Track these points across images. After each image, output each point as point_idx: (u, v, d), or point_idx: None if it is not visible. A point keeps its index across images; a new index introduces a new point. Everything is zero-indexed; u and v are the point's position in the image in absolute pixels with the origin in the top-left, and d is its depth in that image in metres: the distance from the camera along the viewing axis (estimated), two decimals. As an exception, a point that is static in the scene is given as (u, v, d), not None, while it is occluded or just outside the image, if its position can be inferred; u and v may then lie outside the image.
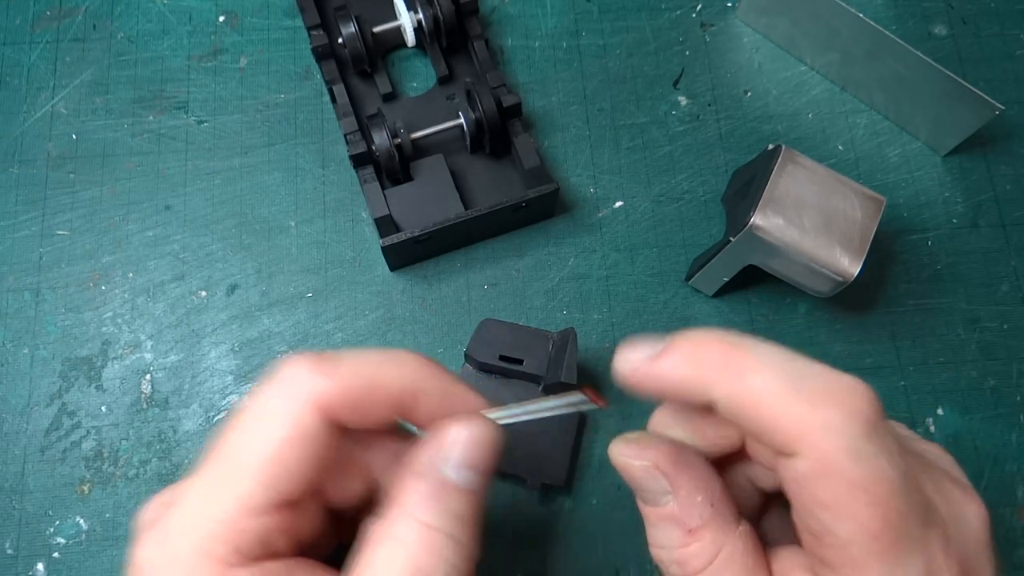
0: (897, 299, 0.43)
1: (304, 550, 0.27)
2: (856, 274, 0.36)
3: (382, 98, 0.46)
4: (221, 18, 0.47)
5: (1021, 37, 0.48)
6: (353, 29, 0.43)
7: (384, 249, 0.40)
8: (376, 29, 0.45)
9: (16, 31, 0.47)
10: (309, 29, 0.44)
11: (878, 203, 0.38)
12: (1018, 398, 0.42)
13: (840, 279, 0.37)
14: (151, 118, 0.45)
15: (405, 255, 0.42)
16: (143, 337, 0.42)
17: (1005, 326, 0.43)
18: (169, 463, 0.40)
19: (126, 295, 0.43)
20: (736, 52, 0.48)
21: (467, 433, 0.26)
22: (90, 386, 0.41)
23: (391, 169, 0.42)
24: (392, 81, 0.46)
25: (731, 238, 0.38)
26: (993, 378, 0.42)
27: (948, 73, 0.41)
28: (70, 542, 0.39)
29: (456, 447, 0.26)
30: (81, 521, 0.39)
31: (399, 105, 0.46)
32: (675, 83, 0.47)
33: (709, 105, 0.47)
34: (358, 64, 0.45)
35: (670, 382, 0.24)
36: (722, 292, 0.43)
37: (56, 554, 0.39)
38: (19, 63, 0.46)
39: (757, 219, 0.37)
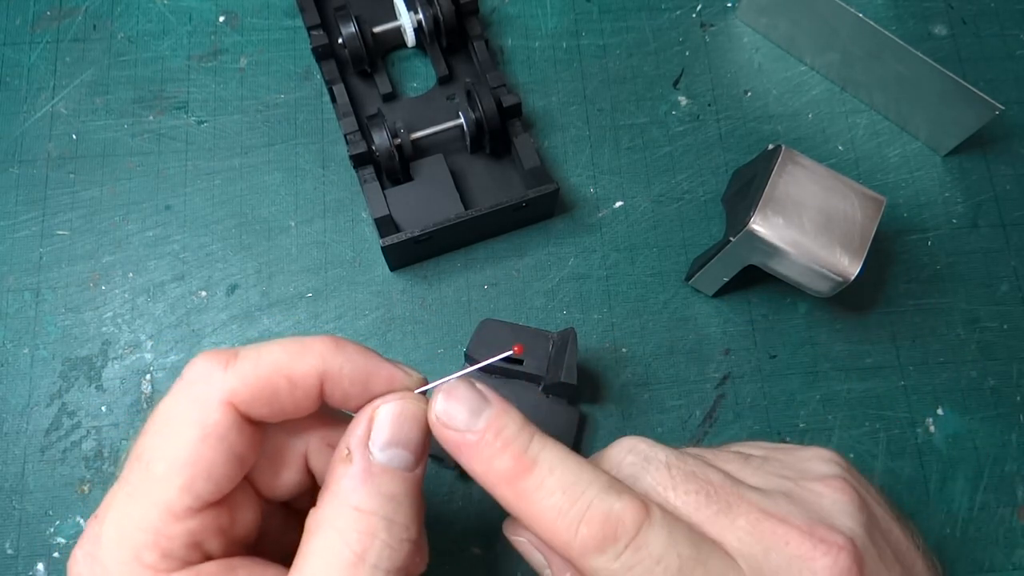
0: (897, 299, 0.43)
1: (258, 549, 0.27)
2: (856, 274, 0.36)
3: (382, 98, 0.46)
4: (221, 18, 0.47)
5: (1021, 37, 0.48)
6: (353, 29, 0.43)
7: (384, 249, 0.40)
8: (376, 29, 0.45)
9: (16, 31, 0.47)
10: (309, 29, 0.44)
11: (878, 203, 0.38)
12: (1018, 398, 0.42)
13: (840, 279, 0.37)
14: (151, 118, 0.45)
15: (405, 255, 0.42)
16: (143, 337, 0.42)
17: (1005, 326, 0.43)
18: (169, 463, 0.40)
19: (126, 295, 0.43)
20: (736, 52, 0.48)
21: (390, 412, 0.25)
22: (90, 386, 0.41)
23: (391, 169, 0.42)
24: (392, 81, 0.46)
25: (731, 238, 0.38)
26: (993, 378, 0.42)
27: (948, 73, 0.41)
28: (70, 542, 0.39)
29: (381, 427, 0.25)
30: (81, 521, 0.39)
31: (399, 105, 0.46)
32: (675, 83, 0.47)
33: (709, 105, 0.47)
34: (358, 64, 0.45)
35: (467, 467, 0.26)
36: (722, 292, 0.43)
37: (56, 554, 0.39)
38: (19, 63, 0.46)
39: (757, 219, 0.37)
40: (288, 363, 0.25)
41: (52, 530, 0.39)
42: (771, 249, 0.37)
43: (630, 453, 0.27)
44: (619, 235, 0.44)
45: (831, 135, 0.46)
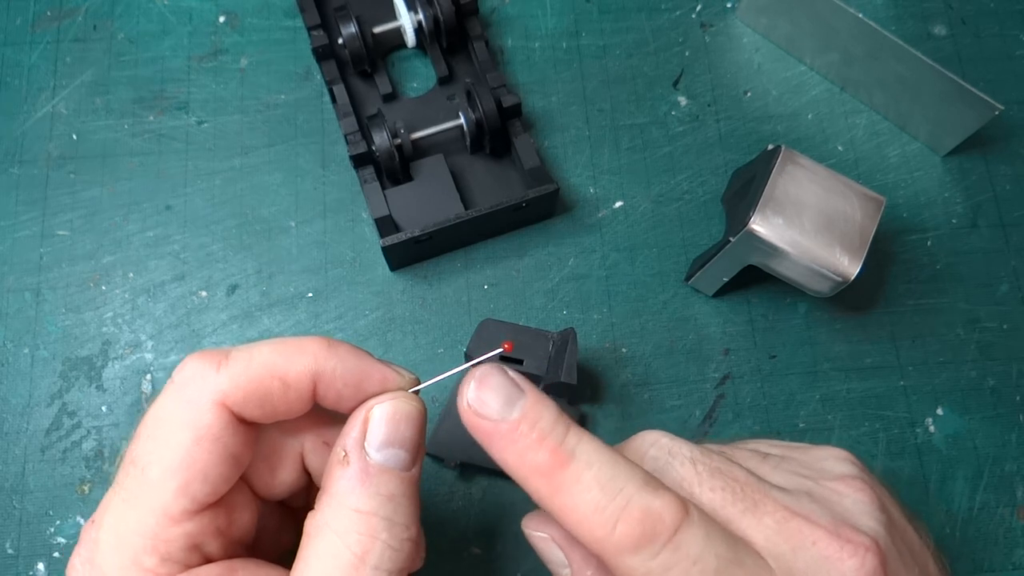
0: (897, 299, 0.43)
1: (256, 548, 0.27)
2: (856, 274, 0.36)
3: (382, 98, 0.46)
4: (221, 18, 0.48)
5: (1021, 37, 0.48)
6: (353, 29, 0.43)
7: (384, 249, 0.40)
8: (376, 29, 0.45)
9: (16, 31, 0.47)
10: (309, 29, 0.44)
11: (878, 203, 0.38)
12: (1018, 398, 0.42)
13: (840, 279, 0.37)
14: (151, 118, 0.45)
15: (405, 255, 0.42)
16: (143, 337, 0.42)
17: (1005, 326, 0.43)
18: (169, 463, 0.40)
19: (126, 295, 0.43)
20: (736, 52, 0.48)
21: (384, 411, 0.25)
22: (90, 386, 0.41)
23: (391, 169, 0.42)
24: (392, 81, 0.46)
25: (731, 238, 0.38)
26: (993, 378, 0.42)
27: (948, 73, 0.41)
28: (71, 542, 0.39)
29: (376, 427, 0.25)
30: (82, 521, 0.39)
31: (399, 105, 0.46)
32: (675, 83, 0.47)
33: (709, 105, 0.47)
34: (358, 64, 0.45)
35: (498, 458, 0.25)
36: (722, 292, 0.43)
37: (56, 554, 0.39)
38: (20, 63, 0.46)
39: (757, 219, 0.37)
40: (281, 364, 0.25)
41: (52, 530, 0.39)
42: (771, 249, 0.37)
43: (653, 447, 0.27)
44: (619, 235, 0.44)
45: (831, 135, 0.46)
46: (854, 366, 0.42)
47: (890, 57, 0.43)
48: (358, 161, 0.42)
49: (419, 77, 0.47)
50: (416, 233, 0.40)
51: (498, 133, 0.43)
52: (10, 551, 0.39)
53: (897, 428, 0.41)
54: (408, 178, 0.43)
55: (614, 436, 0.37)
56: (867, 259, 0.37)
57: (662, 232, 0.44)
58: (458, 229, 0.41)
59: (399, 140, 0.42)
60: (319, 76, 0.46)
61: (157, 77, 0.46)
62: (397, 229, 0.41)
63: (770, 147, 0.40)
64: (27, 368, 0.41)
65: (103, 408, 0.41)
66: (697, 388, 0.42)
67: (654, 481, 0.24)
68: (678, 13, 0.48)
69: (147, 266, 0.43)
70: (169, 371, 0.41)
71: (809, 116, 0.47)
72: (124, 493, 0.24)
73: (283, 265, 0.43)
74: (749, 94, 0.47)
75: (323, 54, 0.44)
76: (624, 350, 0.42)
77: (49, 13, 0.47)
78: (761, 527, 0.24)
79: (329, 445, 0.27)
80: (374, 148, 0.42)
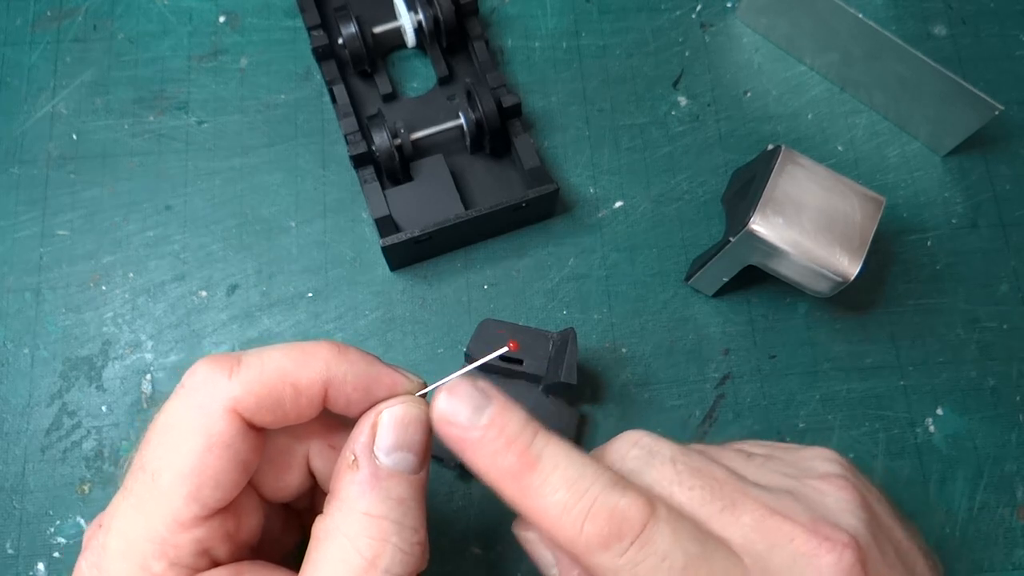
0: (897, 299, 0.43)
1: (259, 550, 0.27)
2: (856, 274, 0.36)
3: (382, 98, 0.46)
4: (221, 18, 0.48)
5: (1021, 37, 0.48)
6: (353, 29, 0.43)
7: (384, 249, 0.40)
8: (376, 29, 0.45)
9: (17, 31, 0.47)
10: (309, 29, 0.44)
11: (878, 203, 0.38)
12: (1018, 398, 0.42)
13: (839, 279, 0.37)
14: (151, 118, 0.45)
15: (405, 255, 0.42)
16: (143, 337, 0.42)
17: (1005, 326, 0.43)
18: (169, 463, 0.40)
19: (126, 295, 0.43)
20: (736, 52, 0.48)
21: (393, 416, 0.26)
22: (90, 386, 0.41)
23: (391, 169, 0.42)
24: (392, 81, 0.46)
25: (731, 238, 0.38)
26: (993, 378, 0.42)
27: (948, 73, 0.41)
28: (71, 542, 0.39)
29: (385, 432, 0.25)
30: (82, 521, 0.39)
31: (399, 105, 0.46)
32: (675, 83, 0.47)
33: (709, 105, 0.47)
34: (358, 64, 0.45)
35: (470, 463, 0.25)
36: (722, 292, 0.43)
37: (57, 554, 0.39)
38: (20, 63, 0.46)
39: (757, 219, 0.37)
40: (293, 370, 0.25)
41: (52, 530, 0.39)
42: (771, 249, 0.37)
43: (634, 447, 0.27)
44: (619, 235, 0.44)
45: (831, 135, 0.46)
46: (854, 366, 0.42)
47: (890, 57, 0.43)
48: (358, 161, 0.42)
49: (419, 77, 0.47)
50: (416, 233, 0.40)
51: (498, 133, 0.43)
52: (10, 551, 0.39)
53: (897, 428, 0.41)
54: (408, 178, 0.43)
55: (614, 436, 0.37)
56: (867, 259, 0.37)
57: (662, 232, 0.44)
58: (458, 229, 0.41)
59: (399, 140, 0.42)
60: (319, 76, 0.46)
61: (157, 77, 0.46)
62: (397, 229, 0.41)
63: (770, 147, 0.40)
64: (27, 368, 0.41)
65: (103, 408, 0.41)
66: (697, 388, 0.42)
67: (622, 481, 0.24)
68: (678, 13, 0.48)
69: (147, 266, 0.43)
70: (169, 371, 0.41)
71: (809, 116, 0.47)
72: (133, 498, 0.24)
73: (283, 265, 0.43)
74: (749, 94, 0.47)
75: (323, 54, 0.44)
76: (624, 350, 0.42)
77: (49, 13, 0.47)
78: (738, 525, 0.25)
79: (334, 448, 0.27)
80: (374, 148, 0.42)
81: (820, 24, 0.44)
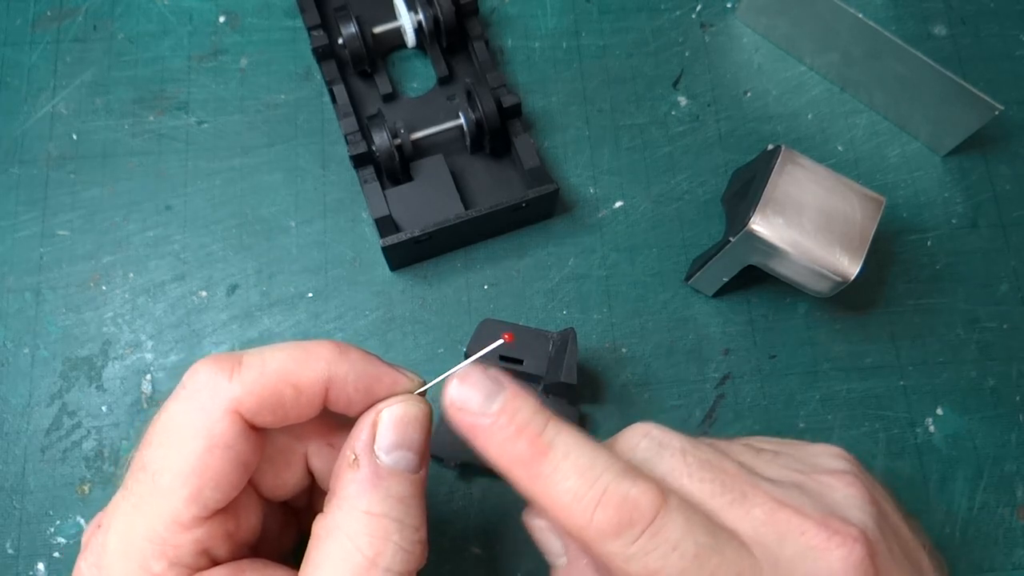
0: (897, 299, 0.43)
1: (259, 548, 0.27)
2: (856, 274, 0.36)
3: (382, 98, 0.46)
4: (221, 18, 0.48)
5: (1021, 37, 0.48)
6: (353, 29, 0.43)
7: (384, 249, 0.40)
8: (376, 29, 0.45)
9: (16, 31, 0.47)
10: (309, 29, 0.44)
11: (878, 203, 0.38)
12: (1018, 398, 0.42)
13: (839, 279, 0.37)
14: (151, 118, 0.45)
15: (405, 255, 0.42)
16: (144, 337, 0.42)
17: (1005, 326, 0.43)
18: (169, 463, 0.40)
19: (126, 295, 0.43)
20: (736, 52, 0.48)
21: (393, 415, 0.26)
22: (90, 386, 0.41)
23: (391, 169, 0.42)
24: (392, 81, 0.46)
25: (731, 238, 0.38)
26: (993, 378, 0.42)
27: (948, 73, 0.41)
28: (71, 542, 0.39)
29: (385, 431, 0.25)
30: (82, 521, 0.39)
31: (399, 105, 0.46)
32: (675, 83, 0.47)
33: (709, 105, 0.47)
34: (358, 64, 0.45)
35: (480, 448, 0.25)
36: (722, 292, 0.43)
37: (57, 554, 0.39)
38: (20, 63, 0.46)
39: (757, 219, 0.37)
40: (294, 371, 0.25)
41: (52, 530, 0.39)
42: (771, 249, 0.37)
43: (644, 438, 0.27)
44: (619, 235, 0.44)
45: (831, 135, 0.46)
46: (854, 366, 0.42)
47: (890, 57, 0.43)
48: (358, 161, 0.42)
49: (419, 77, 0.47)
50: (416, 233, 0.40)
51: (498, 133, 0.43)
52: (10, 551, 0.39)
53: (897, 428, 0.41)
54: (408, 178, 0.43)
55: (612, 435, 0.37)
56: (867, 259, 0.37)
57: (662, 232, 0.44)
58: (458, 229, 0.41)
59: (399, 140, 0.42)
60: (319, 76, 0.46)
61: (157, 77, 0.46)
62: (397, 229, 0.41)
63: (770, 147, 0.40)
64: (27, 368, 0.41)
65: (103, 408, 0.41)
66: (697, 388, 0.42)
67: (633, 470, 0.24)
68: (678, 13, 0.48)
69: (147, 266, 0.43)
70: (169, 371, 0.41)
71: (809, 116, 0.47)
72: (134, 499, 0.24)
73: (283, 265, 0.43)
74: (749, 94, 0.47)
75: (323, 54, 0.44)
76: (624, 350, 0.42)
77: (49, 13, 0.47)
78: (749, 518, 0.25)
79: (333, 446, 0.27)
80: (374, 148, 0.42)
81: (820, 24, 0.44)
